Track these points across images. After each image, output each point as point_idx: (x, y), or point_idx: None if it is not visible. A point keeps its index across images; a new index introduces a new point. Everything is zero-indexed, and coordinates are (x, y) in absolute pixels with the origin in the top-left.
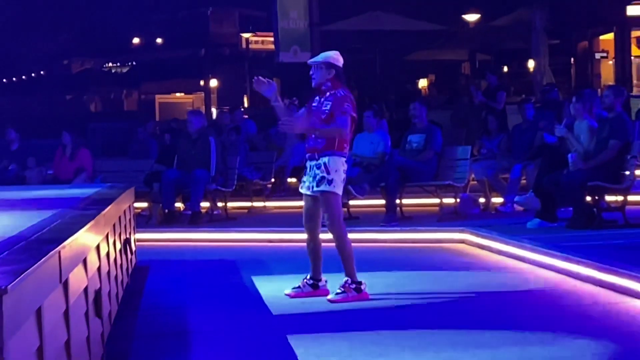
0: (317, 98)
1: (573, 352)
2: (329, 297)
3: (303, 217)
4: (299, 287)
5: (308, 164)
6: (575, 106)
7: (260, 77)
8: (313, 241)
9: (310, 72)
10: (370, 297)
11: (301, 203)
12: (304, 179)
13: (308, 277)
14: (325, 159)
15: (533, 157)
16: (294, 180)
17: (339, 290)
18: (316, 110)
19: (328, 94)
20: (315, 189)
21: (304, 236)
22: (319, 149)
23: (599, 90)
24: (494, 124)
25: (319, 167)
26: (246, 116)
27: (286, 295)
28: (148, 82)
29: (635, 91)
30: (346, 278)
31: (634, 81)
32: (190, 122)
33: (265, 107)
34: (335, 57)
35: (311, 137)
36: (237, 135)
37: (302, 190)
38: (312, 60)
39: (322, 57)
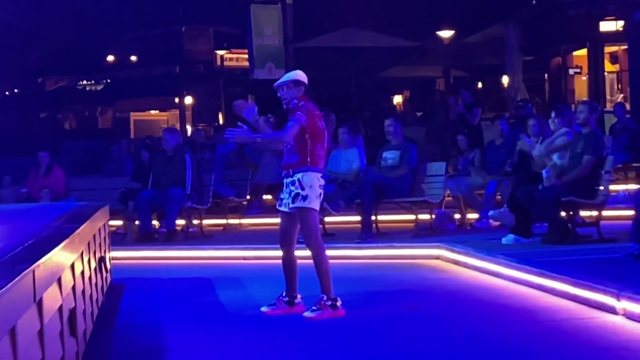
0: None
1: None
2: (305, 314)
3: (279, 234)
4: (274, 304)
5: (285, 180)
6: (555, 120)
7: (240, 100)
8: (288, 258)
9: (279, 95)
10: (346, 314)
11: (276, 220)
12: (282, 195)
13: (284, 294)
14: (299, 175)
15: (512, 173)
16: (269, 197)
17: (314, 307)
18: None
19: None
20: (291, 205)
21: (280, 253)
22: (292, 165)
23: (573, 105)
24: (464, 143)
25: (293, 184)
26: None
27: (262, 312)
28: (122, 100)
29: (608, 107)
30: (322, 295)
31: (607, 97)
32: (166, 140)
33: (241, 125)
34: (301, 74)
35: (285, 154)
36: (212, 152)
37: (281, 208)
38: (279, 82)
39: (288, 77)
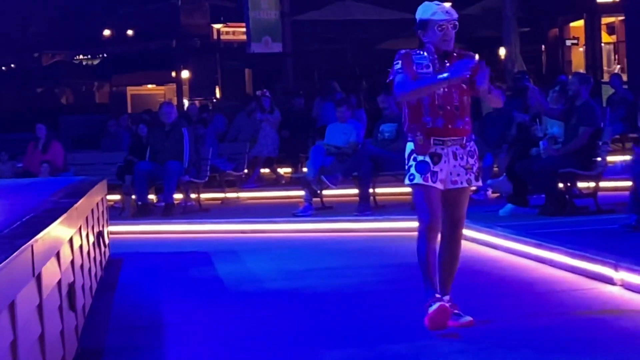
0: (438, 62)
1: (546, 339)
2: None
3: (438, 216)
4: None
5: (449, 150)
6: (553, 95)
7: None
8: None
9: (453, 30)
10: (343, 285)
11: (275, 194)
12: (436, 168)
13: (447, 297)
14: (473, 144)
15: (511, 144)
16: (267, 170)
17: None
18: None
19: (455, 55)
20: (474, 182)
21: (278, 227)
22: (468, 130)
23: (569, 77)
24: None
25: (472, 156)
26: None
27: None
28: (119, 74)
29: (605, 78)
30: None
31: (605, 68)
32: (166, 114)
33: (236, 98)
34: None
35: (459, 118)
36: (205, 127)
37: (438, 185)
38: (454, 16)
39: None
